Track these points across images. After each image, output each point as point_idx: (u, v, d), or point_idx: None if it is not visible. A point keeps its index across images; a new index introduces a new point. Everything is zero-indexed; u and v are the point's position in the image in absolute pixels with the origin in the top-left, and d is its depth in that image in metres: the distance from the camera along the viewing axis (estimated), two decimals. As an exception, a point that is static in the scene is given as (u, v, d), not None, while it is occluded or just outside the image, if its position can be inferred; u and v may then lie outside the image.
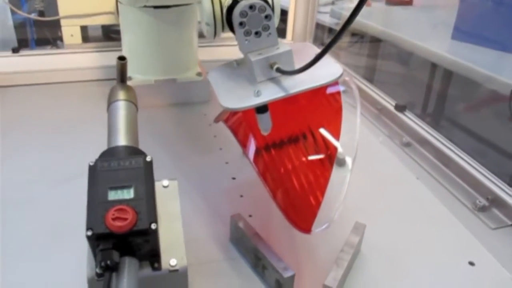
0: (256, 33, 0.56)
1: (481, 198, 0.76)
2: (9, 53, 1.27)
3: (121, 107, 0.58)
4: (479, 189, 0.78)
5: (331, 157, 0.65)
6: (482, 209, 0.74)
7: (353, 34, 1.79)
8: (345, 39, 1.76)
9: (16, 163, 0.83)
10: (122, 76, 0.63)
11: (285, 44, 0.58)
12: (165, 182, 0.56)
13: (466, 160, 0.83)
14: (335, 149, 0.65)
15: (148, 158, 0.51)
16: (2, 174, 0.80)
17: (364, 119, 1.04)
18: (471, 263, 0.63)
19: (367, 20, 1.80)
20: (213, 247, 0.64)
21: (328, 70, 0.57)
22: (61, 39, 1.40)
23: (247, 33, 0.56)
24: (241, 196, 0.75)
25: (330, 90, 0.67)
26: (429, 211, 0.73)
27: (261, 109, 0.57)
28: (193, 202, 0.72)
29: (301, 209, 0.61)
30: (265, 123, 0.58)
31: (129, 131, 0.55)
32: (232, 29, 0.58)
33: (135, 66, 1.01)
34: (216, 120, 0.70)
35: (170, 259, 0.50)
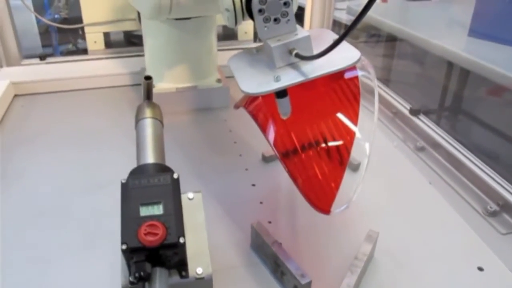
0: (275, 19, 0.58)
1: (492, 204, 0.79)
2: (37, 60, 1.33)
3: (148, 125, 0.63)
4: (491, 194, 0.80)
5: (350, 143, 0.67)
6: (493, 214, 0.77)
7: (371, 34, 1.80)
8: (360, 38, 1.78)
9: (46, 171, 0.88)
10: (148, 94, 0.67)
11: (303, 30, 0.60)
12: (190, 195, 0.60)
13: (478, 165, 0.85)
14: (354, 134, 0.67)
15: (175, 175, 0.55)
16: (33, 182, 0.85)
17: (379, 123, 1.07)
18: (480, 269, 0.66)
19: (383, 18, 1.81)
20: (234, 253, 0.68)
21: (346, 54, 0.59)
22: (83, 37, 1.45)
23: (266, 20, 0.58)
24: (261, 202, 0.78)
25: (348, 75, 0.69)
26: (440, 216, 0.76)
27: (281, 93, 0.58)
28: (214, 208, 0.76)
29: (321, 191, 0.64)
30: (284, 107, 0.59)
31: (156, 149, 0.59)
32: (251, 16, 0.60)
33: (157, 74, 1.06)
34: (236, 106, 0.72)
35: (197, 268, 0.55)
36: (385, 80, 1.30)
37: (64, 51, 1.70)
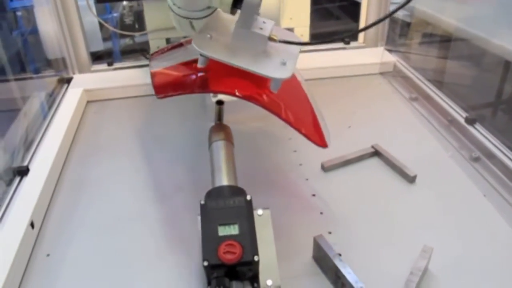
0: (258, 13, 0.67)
1: (546, 218, 0.81)
2: (105, 66, 1.42)
3: (221, 147, 0.69)
4: (545, 209, 0.82)
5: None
6: (547, 229, 0.79)
7: (424, 34, 1.79)
8: (414, 39, 1.77)
9: (119, 177, 0.96)
10: (219, 117, 0.73)
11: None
12: (260, 212, 0.66)
13: (533, 178, 0.87)
14: None
15: (248, 197, 0.61)
16: (107, 189, 0.93)
17: (434, 130, 1.10)
18: (532, 285, 0.69)
19: (440, 14, 1.78)
20: (296, 263, 0.74)
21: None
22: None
23: (258, 13, 0.66)
24: (321, 213, 0.84)
25: None
26: (493, 230, 0.79)
27: None
28: (275, 219, 0.81)
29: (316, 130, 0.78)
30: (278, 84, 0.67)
31: (229, 171, 0.66)
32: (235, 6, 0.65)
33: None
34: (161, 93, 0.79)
35: (267, 280, 0.61)
36: (440, 84, 1.31)
37: (123, 44, 1.80)
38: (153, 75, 0.81)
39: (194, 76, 0.78)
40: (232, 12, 0.65)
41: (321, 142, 0.78)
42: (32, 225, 0.79)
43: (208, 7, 0.66)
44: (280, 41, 0.67)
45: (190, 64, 0.74)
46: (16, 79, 1.33)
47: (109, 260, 0.76)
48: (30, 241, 0.79)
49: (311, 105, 0.83)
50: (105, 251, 0.78)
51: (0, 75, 1.26)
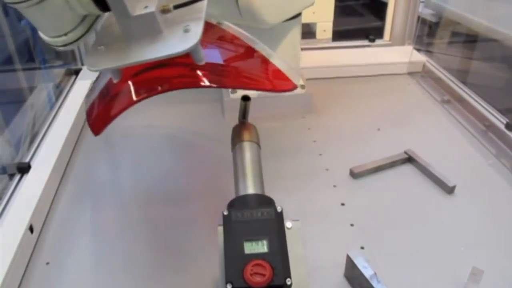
0: None
1: None
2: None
3: (246, 150, 0.61)
4: None
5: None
6: None
7: (454, 33, 1.70)
8: (444, 39, 1.68)
9: (126, 180, 0.89)
10: (244, 114, 0.65)
11: None
12: (289, 224, 0.57)
13: None
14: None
15: (278, 209, 0.53)
16: (119, 192, 0.85)
17: (469, 136, 1.01)
18: None
19: (471, 15, 1.69)
20: (326, 281, 0.66)
21: None
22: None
23: None
24: (352, 225, 0.75)
25: None
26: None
27: None
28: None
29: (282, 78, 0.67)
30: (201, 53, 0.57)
31: (256, 178, 0.57)
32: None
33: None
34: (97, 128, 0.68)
35: (297, 304, 0.52)
36: (474, 86, 1.22)
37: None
38: (86, 115, 0.70)
39: (120, 92, 0.68)
40: (105, 8, 0.53)
41: (285, 86, 0.66)
42: (31, 229, 0.72)
43: (80, 23, 0.57)
44: (175, 7, 0.55)
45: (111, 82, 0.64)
46: (23, 69, 1.25)
47: (115, 271, 0.69)
48: (28, 247, 0.71)
49: (259, 53, 0.70)
50: (110, 261, 0.70)
51: (6, 65, 1.19)
